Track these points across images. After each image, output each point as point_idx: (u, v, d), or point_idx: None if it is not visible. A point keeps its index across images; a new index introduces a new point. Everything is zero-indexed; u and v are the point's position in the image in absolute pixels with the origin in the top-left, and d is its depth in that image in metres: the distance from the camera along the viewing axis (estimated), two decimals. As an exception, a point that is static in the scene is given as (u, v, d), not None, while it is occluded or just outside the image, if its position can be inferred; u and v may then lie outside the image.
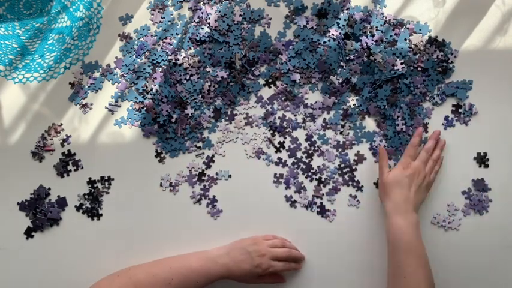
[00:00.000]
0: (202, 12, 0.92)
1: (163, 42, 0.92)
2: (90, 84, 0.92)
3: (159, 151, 0.89)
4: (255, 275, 0.78)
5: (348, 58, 0.89)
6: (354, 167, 0.87)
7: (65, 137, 0.90)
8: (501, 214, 0.85)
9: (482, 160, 0.86)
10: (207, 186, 0.88)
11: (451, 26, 0.91)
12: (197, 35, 0.91)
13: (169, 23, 0.93)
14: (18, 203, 0.88)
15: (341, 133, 0.88)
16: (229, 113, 0.90)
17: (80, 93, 0.91)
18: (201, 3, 0.93)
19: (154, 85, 0.91)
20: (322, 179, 0.87)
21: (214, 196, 0.88)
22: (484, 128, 0.87)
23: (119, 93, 0.91)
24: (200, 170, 0.88)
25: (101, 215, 0.87)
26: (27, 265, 0.86)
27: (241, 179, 0.88)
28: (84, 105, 0.91)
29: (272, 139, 0.89)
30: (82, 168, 0.89)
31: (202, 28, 0.92)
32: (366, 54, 0.89)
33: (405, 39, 0.90)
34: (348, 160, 0.87)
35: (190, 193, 0.88)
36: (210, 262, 0.78)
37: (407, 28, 0.90)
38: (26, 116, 0.91)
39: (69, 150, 0.89)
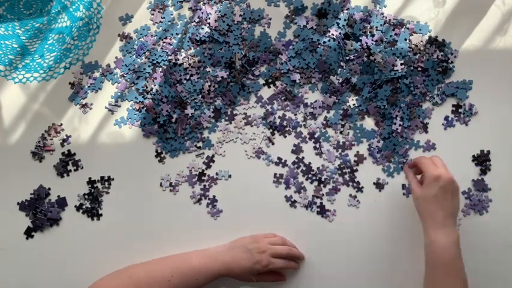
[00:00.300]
0: (202, 12, 0.92)
1: (163, 42, 0.92)
2: (90, 84, 0.92)
3: (159, 151, 0.89)
4: (254, 272, 0.78)
5: (348, 58, 0.89)
6: (354, 168, 0.87)
7: (65, 137, 0.90)
8: (501, 214, 0.85)
9: (482, 160, 0.86)
10: (207, 186, 0.88)
11: (451, 26, 0.91)
12: (197, 35, 0.91)
13: (169, 23, 0.93)
14: (18, 203, 0.88)
15: (341, 133, 0.88)
16: (229, 113, 0.90)
17: (80, 93, 0.91)
18: (201, 3, 0.93)
19: (154, 85, 0.91)
20: (322, 179, 0.87)
21: (214, 196, 0.88)
22: (484, 128, 0.87)
23: (119, 93, 0.91)
24: (200, 170, 0.88)
25: (101, 215, 0.87)
26: (27, 265, 0.86)
27: (241, 179, 0.88)
28: (84, 105, 0.91)
29: (272, 138, 0.89)
30: (82, 168, 0.89)
31: (202, 28, 0.92)
32: (366, 54, 0.89)
33: (405, 39, 0.90)
34: (349, 160, 0.87)
35: (190, 193, 0.88)
36: (210, 259, 0.78)
37: (407, 28, 0.90)
38: (26, 116, 0.91)
39: (69, 150, 0.89)
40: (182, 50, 0.92)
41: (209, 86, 0.90)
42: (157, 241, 0.86)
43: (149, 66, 0.91)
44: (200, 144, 0.89)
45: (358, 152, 0.88)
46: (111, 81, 0.92)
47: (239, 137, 0.89)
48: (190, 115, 0.89)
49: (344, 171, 0.87)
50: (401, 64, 0.88)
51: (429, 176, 0.74)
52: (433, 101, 0.88)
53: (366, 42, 0.89)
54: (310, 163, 0.88)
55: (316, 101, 0.89)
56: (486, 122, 0.87)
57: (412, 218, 0.85)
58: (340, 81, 0.89)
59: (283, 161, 0.88)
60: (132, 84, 0.91)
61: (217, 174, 0.88)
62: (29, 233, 0.87)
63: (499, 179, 0.86)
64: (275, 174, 0.88)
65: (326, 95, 0.89)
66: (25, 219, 0.87)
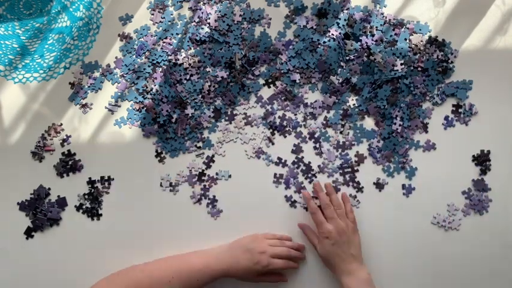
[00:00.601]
0: (202, 12, 0.92)
1: (163, 42, 0.92)
2: (90, 84, 0.92)
3: (159, 151, 0.89)
4: (254, 272, 0.78)
5: (348, 58, 0.89)
6: (355, 168, 0.87)
7: (65, 137, 0.90)
8: (501, 214, 0.85)
9: (482, 160, 0.86)
10: (207, 186, 0.88)
11: (451, 26, 0.91)
12: (197, 35, 0.91)
13: (169, 23, 0.93)
14: (18, 203, 0.88)
15: (341, 133, 0.88)
16: (229, 113, 0.90)
17: (80, 93, 0.91)
18: (201, 3, 0.93)
19: (154, 85, 0.91)
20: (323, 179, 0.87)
21: (214, 196, 0.88)
22: (484, 128, 0.87)
23: (119, 93, 0.91)
24: (200, 170, 0.88)
25: (101, 215, 0.87)
26: (27, 265, 0.86)
27: (241, 179, 0.88)
28: (84, 105, 0.91)
29: (272, 138, 0.89)
30: (82, 168, 0.89)
31: (202, 28, 0.92)
32: (366, 54, 0.89)
33: (405, 39, 0.90)
34: (349, 160, 0.87)
35: (190, 193, 0.88)
36: (210, 260, 0.78)
37: (407, 28, 0.90)
38: (26, 116, 0.91)
39: (69, 150, 0.89)
40: (182, 50, 0.92)
41: (209, 86, 0.90)
42: (157, 241, 0.86)
43: (149, 66, 0.91)
44: (200, 144, 0.89)
45: (357, 151, 0.88)
46: (111, 81, 0.92)
47: (239, 137, 0.89)
48: (190, 115, 0.89)
49: (345, 171, 0.87)
50: (401, 64, 0.88)
51: (320, 234, 0.80)
52: (433, 101, 0.88)
53: (366, 42, 0.89)
54: (310, 163, 0.88)
55: (316, 101, 0.89)
56: (486, 122, 0.87)
57: (412, 218, 0.85)
58: (340, 81, 0.89)
59: (283, 161, 0.88)
60: (132, 84, 0.91)
61: (217, 174, 0.88)
62: (29, 233, 0.87)
63: (499, 179, 0.86)
64: (275, 174, 0.88)
65: (326, 95, 0.89)
66: (25, 219, 0.87)
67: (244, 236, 0.82)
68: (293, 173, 0.88)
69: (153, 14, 0.93)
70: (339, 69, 0.89)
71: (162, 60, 0.91)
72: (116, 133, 0.90)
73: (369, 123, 0.89)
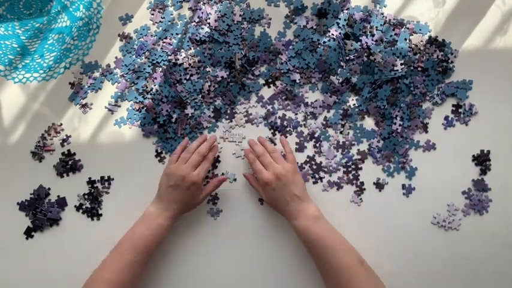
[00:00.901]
0: (202, 12, 0.92)
1: (163, 42, 0.92)
2: (90, 84, 0.92)
3: (159, 151, 0.89)
4: (196, 193, 0.80)
5: (348, 58, 0.89)
6: (359, 166, 0.87)
7: (65, 137, 0.90)
8: (501, 214, 0.85)
9: (482, 160, 0.86)
10: (207, 186, 0.88)
11: (451, 26, 0.91)
12: (197, 35, 0.91)
13: (169, 23, 0.93)
14: (18, 203, 0.88)
15: (341, 133, 0.88)
16: (229, 111, 0.90)
17: (80, 93, 0.91)
18: (201, 3, 0.93)
19: (154, 85, 0.91)
20: (323, 179, 0.87)
21: (214, 196, 0.88)
22: (484, 128, 0.87)
23: (119, 93, 0.91)
24: (200, 170, 0.88)
25: (101, 215, 0.87)
26: (27, 265, 0.86)
27: (241, 179, 0.88)
28: (84, 105, 0.91)
29: (273, 138, 0.89)
30: (82, 168, 0.89)
31: (202, 28, 0.92)
32: (366, 54, 0.89)
33: (405, 39, 0.90)
34: (351, 158, 0.87)
35: (190, 193, 0.88)
36: (154, 218, 0.79)
37: (407, 28, 0.90)
38: (26, 116, 0.91)
39: (69, 150, 0.89)
40: (182, 50, 0.92)
41: (209, 86, 0.90)
42: (157, 241, 0.86)
43: (149, 66, 0.91)
44: (200, 144, 0.89)
45: (359, 149, 0.88)
46: (111, 81, 0.92)
47: (241, 140, 0.89)
48: (190, 115, 0.89)
49: (348, 169, 0.87)
50: (401, 64, 0.88)
51: (260, 182, 0.80)
52: (433, 101, 0.88)
53: (366, 42, 0.89)
54: (314, 160, 0.88)
55: (316, 101, 0.89)
56: (486, 122, 0.87)
57: (412, 218, 0.85)
58: (340, 81, 0.89)
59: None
60: (132, 84, 0.91)
61: (223, 174, 0.88)
62: (29, 233, 0.87)
63: (499, 179, 0.86)
64: (275, 174, 0.88)
65: (326, 94, 0.89)
66: (25, 219, 0.87)
67: (160, 180, 0.82)
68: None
69: (153, 14, 0.93)
70: (339, 69, 0.89)
71: (162, 60, 0.91)
72: (115, 133, 0.90)
73: (369, 123, 0.89)
